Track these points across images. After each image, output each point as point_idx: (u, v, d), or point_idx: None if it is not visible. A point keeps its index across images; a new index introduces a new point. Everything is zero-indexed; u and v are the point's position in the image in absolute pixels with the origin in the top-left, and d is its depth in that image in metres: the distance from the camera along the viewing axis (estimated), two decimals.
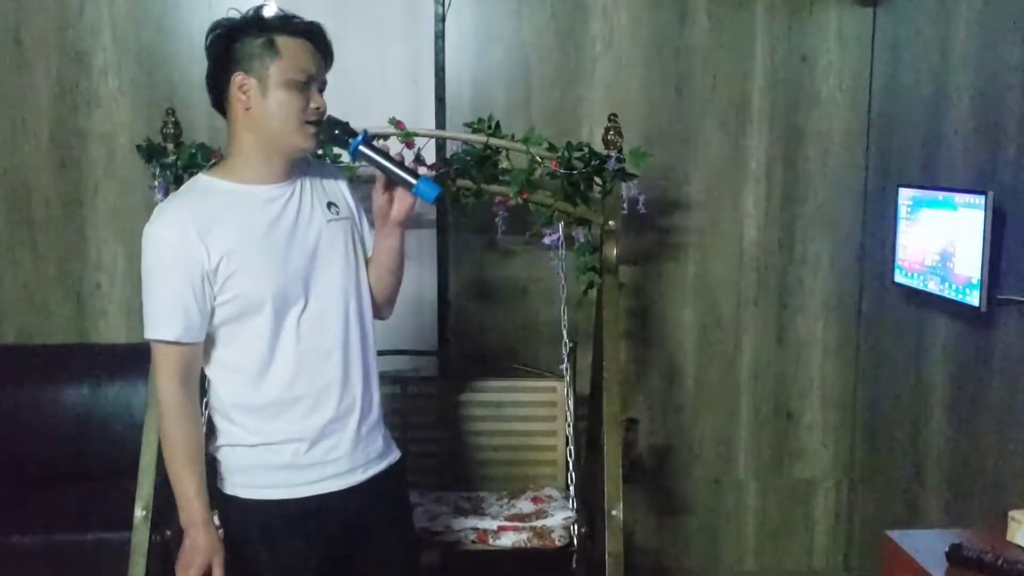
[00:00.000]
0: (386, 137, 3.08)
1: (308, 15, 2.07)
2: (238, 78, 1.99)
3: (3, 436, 3.52)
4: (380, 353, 2.76)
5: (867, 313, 3.81)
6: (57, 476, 3.51)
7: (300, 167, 2.10)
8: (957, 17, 3.09)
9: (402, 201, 2.08)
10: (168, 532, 2.81)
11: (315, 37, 2.04)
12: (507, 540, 2.90)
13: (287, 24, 2.01)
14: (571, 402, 3.21)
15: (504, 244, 3.63)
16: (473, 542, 2.92)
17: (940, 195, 3.00)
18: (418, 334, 3.70)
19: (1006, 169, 2.81)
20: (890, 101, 3.61)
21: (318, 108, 2.02)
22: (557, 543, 2.90)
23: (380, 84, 3.61)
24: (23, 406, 3.57)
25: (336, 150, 2.95)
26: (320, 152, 2.79)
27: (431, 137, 3.15)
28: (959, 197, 2.88)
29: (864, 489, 3.85)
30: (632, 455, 3.33)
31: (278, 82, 1.97)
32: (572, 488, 3.07)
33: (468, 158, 3.13)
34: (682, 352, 3.89)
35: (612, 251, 3.08)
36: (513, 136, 3.09)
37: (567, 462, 3.15)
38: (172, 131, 3.05)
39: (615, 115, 3.06)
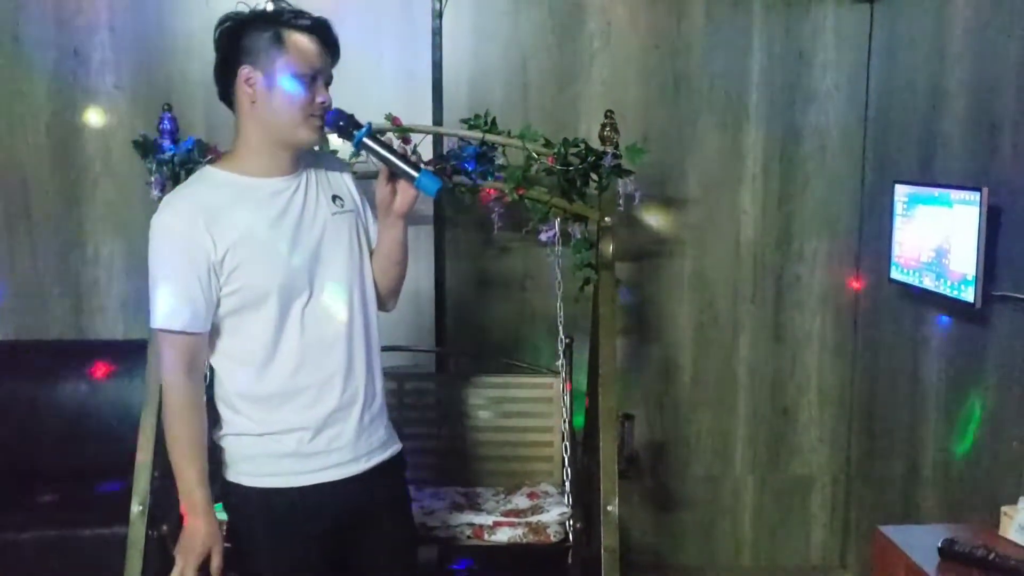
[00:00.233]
0: (383, 133, 3.09)
1: (309, 10, 2.09)
2: (244, 71, 2.01)
3: (0, 432, 3.53)
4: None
5: (863, 309, 3.82)
6: (54, 471, 3.51)
7: (305, 160, 2.13)
8: (953, 15, 3.09)
9: (405, 193, 2.11)
10: (165, 527, 2.82)
11: (322, 32, 2.06)
12: (503, 535, 2.90)
13: (294, 19, 2.03)
14: (567, 398, 3.21)
15: (501, 240, 3.63)
16: (469, 537, 2.92)
17: (936, 192, 3.01)
18: (416, 330, 3.71)
19: (1002, 166, 2.81)
20: (887, 98, 3.61)
21: (323, 102, 2.04)
22: (552, 538, 2.90)
23: (377, 80, 3.62)
24: (20, 401, 3.58)
25: (333, 145, 2.96)
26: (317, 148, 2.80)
27: (427, 133, 3.15)
28: (954, 194, 2.88)
29: (860, 485, 3.86)
30: (628, 451, 3.32)
31: (284, 76, 2.00)
32: (568, 484, 3.07)
33: (465, 154, 3.14)
34: (679, 348, 3.89)
35: (608, 247, 3.09)
36: (509, 132, 3.10)
37: (563, 458, 3.15)
38: (168, 127, 3.05)
39: (611, 111, 3.06)
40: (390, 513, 2.24)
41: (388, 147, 2.07)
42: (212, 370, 2.11)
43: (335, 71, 2.10)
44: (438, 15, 3.62)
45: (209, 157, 2.98)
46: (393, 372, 3.39)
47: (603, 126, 3.04)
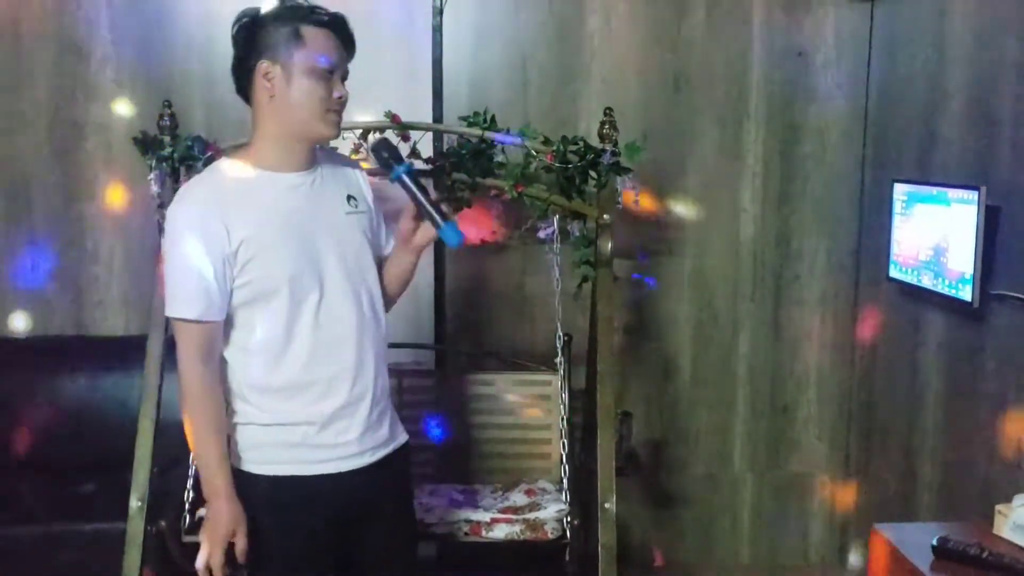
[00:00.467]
0: (382, 130, 3.10)
1: None
2: (263, 66, 2.05)
3: (0, 427, 3.53)
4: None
5: (863, 308, 3.82)
6: (54, 467, 3.52)
7: (322, 158, 2.18)
8: (953, 14, 3.09)
9: (426, 232, 2.18)
10: (163, 523, 2.83)
11: (338, 27, 2.11)
12: (500, 532, 2.91)
13: (312, 14, 2.08)
14: (565, 395, 3.22)
15: (501, 237, 3.64)
16: (466, 534, 2.92)
17: (934, 190, 3.01)
18: (415, 327, 3.72)
19: (1000, 165, 2.81)
20: (887, 97, 3.61)
21: (340, 97, 2.10)
22: (550, 535, 2.91)
23: (377, 78, 3.58)
24: (20, 397, 3.59)
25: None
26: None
27: (426, 130, 3.16)
28: (952, 192, 2.88)
29: (859, 483, 3.86)
30: (626, 448, 3.33)
31: (302, 70, 2.04)
32: (566, 481, 3.07)
33: (463, 151, 3.15)
34: (678, 346, 3.90)
35: (607, 245, 3.08)
36: (508, 130, 3.10)
37: (561, 455, 3.16)
38: (168, 123, 3.06)
39: (610, 109, 3.06)
40: (393, 506, 2.29)
41: (423, 189, 2.14)
42: (224, 361, 2.14)
43: None
44: (438, 12, 3.62)
45: (208, 154, 2.99)
46: (392, 368, 3.39)
47: (602, 124, 3.04)
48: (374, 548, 2.25)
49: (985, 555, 2.12)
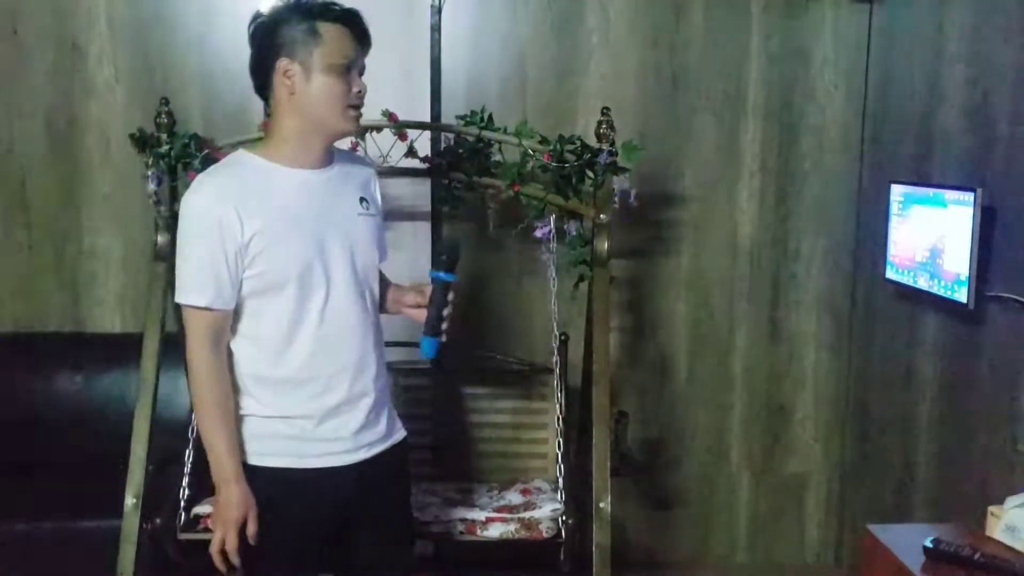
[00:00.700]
0: (379, 129, 3.10)
1: None
2: (282, 64, 2.07)
3: None
4: None
5: (859, 309, 3.82)
6: (49, 464, 3.52)
7: (337, 156, 2.22)
8: (950, 15, 3.09)
9: (418, 316, 2.33)
10: (158, 520, 2.83)
11: (354, 22, 2.13)
12: (495, 531, 2.91)
13: (328, 10, 2.10)
14: (561, 395, 3.22)
15: (497, 237, 3.63)
16: (461, 533, 2.93)
17: (931, 192, 3.01)
18: (412, 325, 3.70)
19: (997, 166, 2.81)
20: (885, 97, 3.61)
21: (359, 92, 2.13)
22: (545, 534, 2.91)
23: (375, 76, 3.56)
24: (17, 394, 3.60)
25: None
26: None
27: (423, 129, 3.16)
28: (949, 194, 2.88)
29: (855, 483, 3.86)
30: (622, 448, 3.33)
31: (321, 67, 2.07)
32: (561, 480, 3.08)
33: (460, 150, 3.15)
34: (675, 346, 3.90)
35: (603, 244, 3.09)
36: (506, 129, 3.10)
37: (557, 454, 3.16)
38: (165, 121, 3.06)
39: (608, 108, 3.07)
40: (390, 502, 2.32)
41: (445, 302, 2.28)
42: (229, 351, 2.15)
43: None
44: (437, 11, 3.62)
45: (205, 152, 3.00)
46: (389, 367, 3.39)
47: (599, 123, 3.04)
48: (370, 543, 2.28)
49: (977, 556, 2.12)
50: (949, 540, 2.21)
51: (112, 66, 3.64)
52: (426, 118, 3.56)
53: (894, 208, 3.24)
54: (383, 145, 3.12)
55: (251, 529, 2.09)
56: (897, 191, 3.23)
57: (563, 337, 3.27)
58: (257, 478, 2.12)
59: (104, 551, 2.86)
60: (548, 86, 3.72)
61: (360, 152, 3.07)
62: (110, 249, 3.73)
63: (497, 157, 3.17)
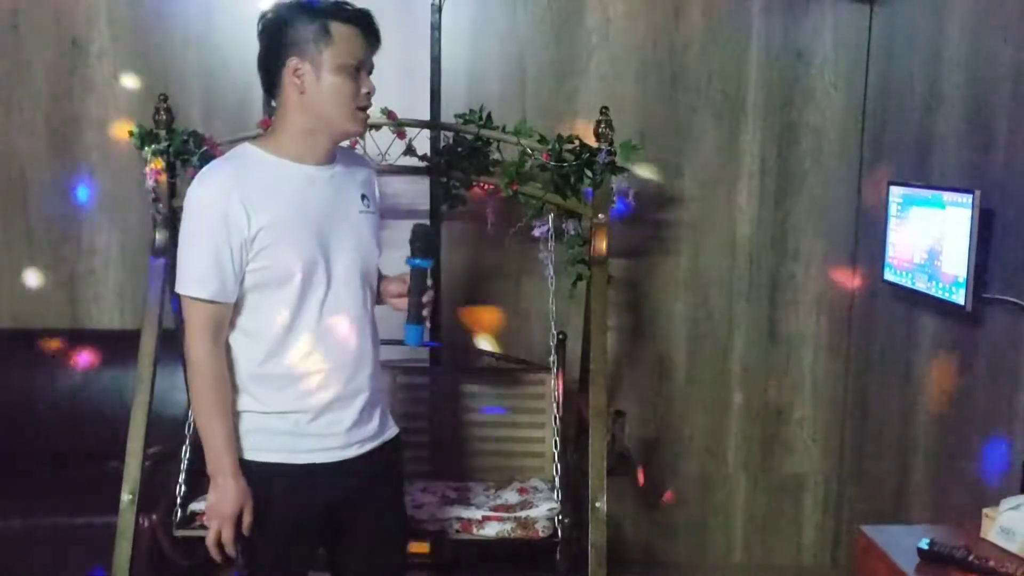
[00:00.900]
0: (378, 127, 3.10)
1: None
2: (292, 62, 2.08)
3: None
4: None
5: (858, 310, 3.82)
6: (47, 460, 3.54)
7: (339, 154, 2.22)
8: (950, 16, 3.09)
9: (400, 300, 2.30)
10: (154, 516, 2.83)
11: (365, 22, 2.13)
12: (491, 530, 2.91)
13: (339, 10, 2.10)
14: (558, 394, 3.22)
15: (496, 235, 3.63)
16: (457, 531, 2.92)
17: (929, 193, 3.00)
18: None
19: (996, 168, 2.81)
20: (885, 99, 3.61)
21: (369, 93, 2.14)
22: (541, 534, 2.91)
23: (375, 75, 3.58)
24: (15, 390, 3.61)
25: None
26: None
27: (421, 128, 3.16)
28: (947, 196, 2.88)
29: (852, 485, 3.86)
30: (619, 447, 3.33)
31: (331, 67, 2.07)
32: (557, 480, 3.08)
33: (459, 149, 3.15)
34: (673, 346, 3.89)
35: (601, 244, 3.08)
36: (504, 128, 3.10)
37: (554, 454, 3.16)
38: (164, 118, 3.06)
39: (606, 108, 3.06)
40: (382, 498, 2.32)
41: (424, 288, 2.26)
42: (227, 346, 2.15)
43: None
44: (437, 9, 3.61)
45: (204, 148, 3.00)
46: (387, 365, 3.40)
47: (598, 123, 3.04)
48: (364, 541, 2.29)
49: (971, 558, 2.12)
50: (943, 542, 2.20)
51: (112, 63, 3.65)
52: (426, 116, 3.55)
53: (893, 209, 3.24)
54: (382, 143, 3.12)
55: (247, 521, 2.10)
56: (896, 192, 3.22)
57: (561, 336, 3.26)
58: (250, 472, 2.12)
59: (101, 547, 2.86)
60: (548, 85, 3.72)
61: (359, 150, 3.07)
62: (109, 245, 3.73)
63: (496, 156, 3.17)
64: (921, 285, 3.05)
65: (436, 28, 3.62)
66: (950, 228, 2.85)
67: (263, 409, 2.14)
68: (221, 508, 2.09)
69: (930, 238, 2.98)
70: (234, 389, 2.14)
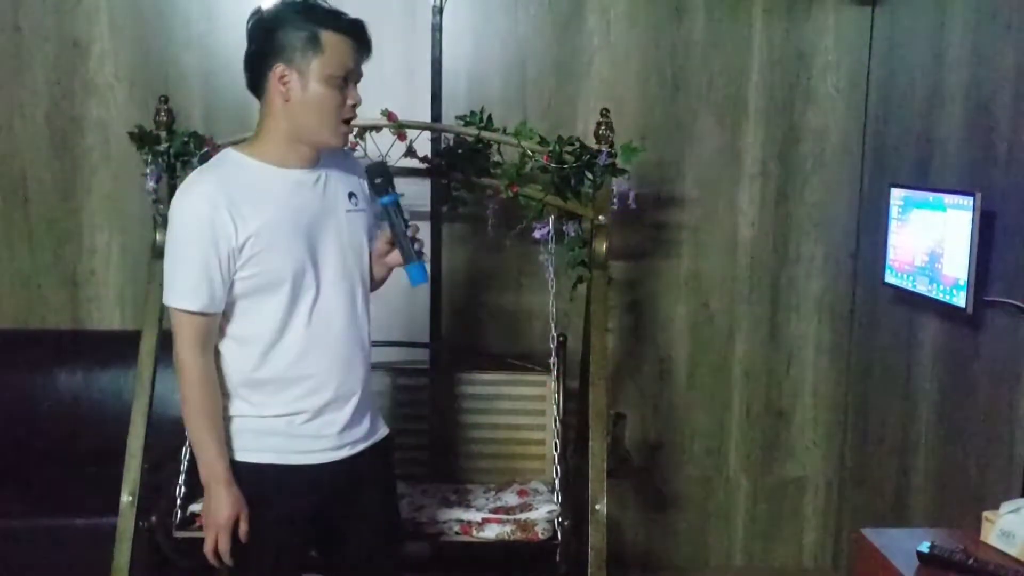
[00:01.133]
0: (378, 129, 3.10)
1: None
2: (279, 69, 2.05)
3: None
4: (373, 344, 2.80)
5: (859, 313, 3.81)
6: (47, 461, 3.53)
7: (327, 155, 2.18)
8: (952, 19, 3.08)
9: (396, 257, 2.24)
10: (154, 518, 2.83)
11: (357, 32, 2.10)
12: (491, 532, 2.90)
13: (332, 20, 2.06)
14: (558, 396, 3.21)
15: (497, 237, 3.63)
16: (457, 533, 2.92)
17: (930, 196, 3.00)
18: (410, 325, 3.72)
19: (997, 171, 2.81)
20: (886, 101, 3.60)
21: (354, 105, 2.11)
22: (540, 536, 2.90)
23: (376, 76, 3.57)
24: (15, 390, 3.60)
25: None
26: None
27: (422, 129, 3.16)
28: (948, 198, 2.88)
29: (853, 488, 3.85)
30: (619, 450, 3.33)
31: (319, 77, 2.04)
32: (557, 482, 3.07)
33: (460, 151, 3.15)
34: (674, 348, 3.89)
35: (602, 245, 3.08)
36: (505, 130, 3.10)
37: (554, 456, 3.15)
38: (165, 119, 3.06)
39: (607, 110, 3.06)
40: (375, 498, 2.30)
41: (404, 223, 2.19)
42: (217, 352, 2.15)
43: None
44: (438, 11, 3.62)
45: (205, 150, 3.00)
46: (386, 367, 3.41)
47: (598, 124, 3.04)
48: (356, 541, 2.29)
49: (971, 562, 2.11)
50: (943, 545, 2.20)
51: (113, 64, 3.64)
52: (426, 118, 3.56)
53: (894, 212, 3.23)
54: (382, 144, 3.12)
55: (243, 528, 2.09)
56: (897, 195, 3.22)
57: (561, 338, 3.26)
58: (242, 474, 2.12)
59: (100, 548, 2.86)
60: (548, 87, 3.72)
61: (359, 152, 3.07)
62: (109, 246, 3.73)
63: (497, 158, 3.17)
64: (922, 288, 3.04)
65: (437, 30, 3.63)
66: (951, 230, 2.84)
67: (257, 413, 2.13)
68: (216, 517, 2.08)
69: (931, 240, 2.98)
70: (227, 395, 2.14)
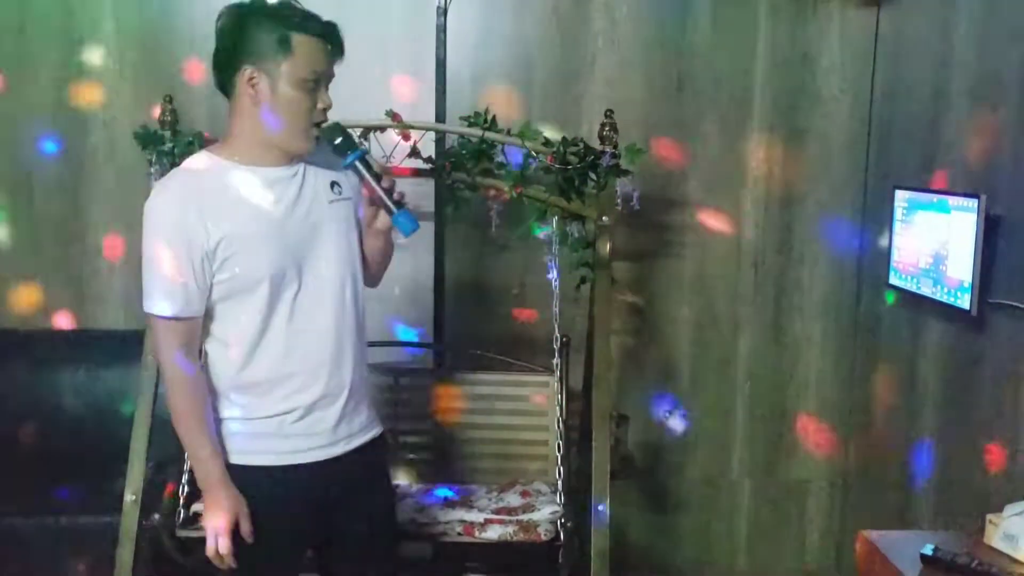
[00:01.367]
0: (383, 129, 3.10)
1: (312, 7, 2.08)
2: (247, 71, 2.01)
3: (0, 419, 3.55)
4: (375, 344, 2.80)
5: (863, 315, 3.81)
6: (52, 460, 3.53)
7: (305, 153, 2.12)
8: (957, 20, 3.08)
9: (384, 218, 2.13)
10: (156, 517, 2.83)
11: (329, 35, 2.05)
12: (493, 533, 2.90)
13: (302, 22, 2.02)
14: (562, 397, 3.21)
15: (501, 238, 3.64)
16: (459, 534, 2.92)
17: (935, 198, 3.00)
18: (414, 326, 3.72)
19: (1002, 173, 2.80)
20: (891, 103, 3.60)
21: (325, 108, 2.06)
22: (543, 537, 2.90)
23: (381, 77, 3.63)
24: (20, 389, 3.61)
25: None
26: None
27: (426, 130, 3.16)
28: (953, 200, 2.87)
29: (857, 490, 3.85)
30: (622, 451, 3.33)
31: (289, 81, 2.00)
32: (560, 483, 3.07)
33: (464, 151, 3.15)
34: (678, 350, 3.88)
35: (605, 247, 3.08)
36: (509, 131, 3.10)
37: (557, 457, 3.15)
38: (169, 119, 3.07)
39: (611, 111, 3.06)
40: (370, 496, 2.28)
41: (377, 176, 2.08)
42: (205, 353, 2.14)
43: (337, 67, 2.11)
44: (443, 12, 3.62)
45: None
46: (389, 367, 3.41)
47: (602, 126, 3.04)
48: (352, 541, 2.26)
49: (974, 564, 2.11)
50: (947, 547, 2.19)
51: (118, 64, 3.65)
52: (431, 119, 3.56)
53: (898, 214, 3.23)
54: (387, 145, 3.12)
55: (244, 529, 2.08)
56: (901, 197, 3.22)
57: (564, 339, 3.26)
58: (237, 476, 2.10)
59: (103, 547, 2.87)
60: (553, 88, 3.72)
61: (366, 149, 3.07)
62: (114, 246, 3.73)
63: (501, 159, 3.16)
64: (926, 290, 3.04)
65: (442, 31, 3.63)
66: (955, 233, 2.84)
67: (246, 415, 2.11)
68: (215, 520, 2.07)
69: (935, 243, 2.97)
70: (217, 397, 2.12)
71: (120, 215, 3.71)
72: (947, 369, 3.10)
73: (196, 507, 2.85)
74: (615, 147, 3.02)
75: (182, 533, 2.86)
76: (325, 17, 2.08)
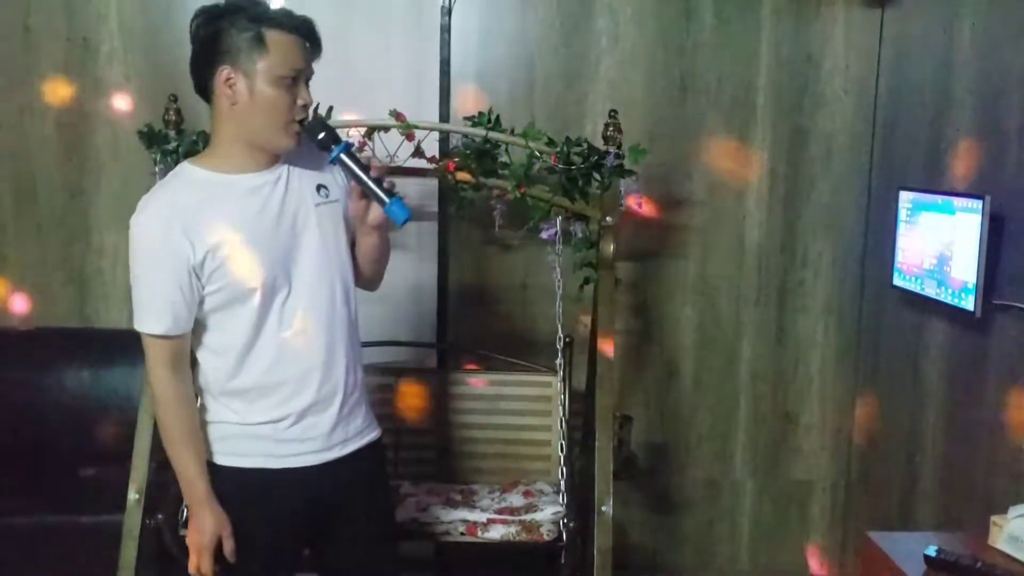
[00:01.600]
0: (386, 129, 3.10)
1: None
2: (224, 72, 1.99)
3: (2, 418, 3.55)
4: (378, 344, 2.79)
5: (867, 316, 3.80)
6: (55, 459, 3.54)
7: (287, 152, 2.10)
8: (961, 21, 3.07)
9: (376, 211, 2.11)
10: (160, 516, 2.83)
11: (305, 30, 2.03)
12: (496, 533, 2.90)
13: (277, 19, 2.00)
14: (565, 397, 3.21)
15: (504, 238, 3.64)
16: (462, 534, 2.92)
17: (939, 199, 2.99)
18: (417, 326, 3.72)
19: (1006, 174, 2.80)
20: (895, 103, 3.59)
21: (305, 105, 2.04)
22: (546, 537, 2.90)
23: (385, 76, 3.62)
24: (23, 389, 3.61)
25: None
26: None
27: (430, 130, 3.16)
28: (957, 201, 2.87)
29: (860, 491, 3.84)
30: (625, 452, 3.32)
31: (266, 79, 1.98)
32: (563, 483, 3.07)
33: (467, 151, 3.15)
34: (681, 350, 3.88)
35: (609, 247, 3.08)
36: (513, 130, 3.10)
37: (560, 457, 3.15)
38: (174, 118, 3.07)
39: (615, 111, 3.06)
40: (366, 500, 2.27)
41: (364, 167, 2.06)
42: (195, 361, 2.14)
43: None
44: (447, 12, 3.62)
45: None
46: (391, 367, 3.42)
47: (606, 126, 3.04)
48: (349, 542, 2.26)
49: (978, 566, 2.11)
50: (951, 549, 2.19)
51: (122, 63, 3.65)
52: (434, 118, 3.56)
53: (902, 215, 3.23)
54: (390, 145, 3.12)
55: (227, 548, 2.08)
56: (905, 198, 3.21)
57: (568, 339, 3.26)
58: (226, 478, 2.10)
59: (107, 546, 2.86)
60: (557, 88, 3.72)
61: (368, 152, 3.07)
62: (117, 245, 3.73)
63: (504, 158, 3.16)
64: (930, 291, 3.04)
65: (445, 30, 3.63)
66: (960, 234, 2.83)
67: (241, 420, 2.11)
68: (198, 537, 2.07)
69: (939, 243, 2.97)
70: (208, 398, 2.12)
71: (124, 214, 3.66)
72: (950, 370, 3.10)
73: None
74: (619, 147, 3.01)
75: (185, 532, 2.85)
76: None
